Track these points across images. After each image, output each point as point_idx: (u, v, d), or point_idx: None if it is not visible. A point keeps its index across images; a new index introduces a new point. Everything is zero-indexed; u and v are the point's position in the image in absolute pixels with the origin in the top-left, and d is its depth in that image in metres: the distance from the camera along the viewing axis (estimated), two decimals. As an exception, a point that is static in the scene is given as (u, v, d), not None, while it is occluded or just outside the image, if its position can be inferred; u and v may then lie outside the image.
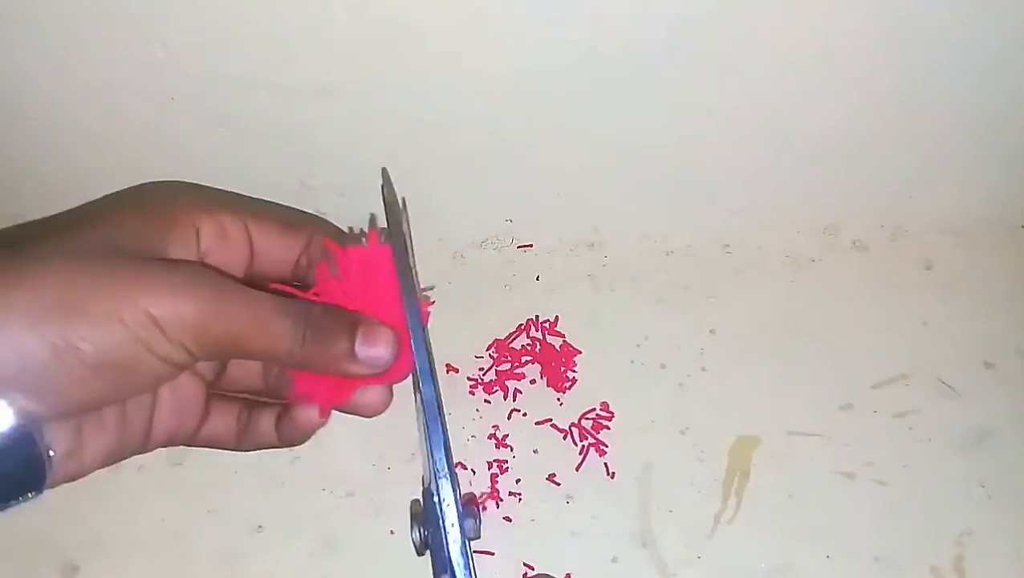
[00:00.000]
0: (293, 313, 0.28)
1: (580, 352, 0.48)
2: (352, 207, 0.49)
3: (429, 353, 0.31)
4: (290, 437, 0.33)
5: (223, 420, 0.33)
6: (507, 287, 0.51)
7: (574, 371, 0.48)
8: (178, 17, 0.37)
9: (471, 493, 0.33)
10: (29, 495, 0.26)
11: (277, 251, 0.32)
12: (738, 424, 0.46)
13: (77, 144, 0.45)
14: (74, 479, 0.28)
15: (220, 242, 0.30)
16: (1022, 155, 0.49)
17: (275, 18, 0.37)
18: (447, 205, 0.50)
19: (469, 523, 0.30)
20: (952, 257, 0.52)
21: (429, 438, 0.30)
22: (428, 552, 0.31)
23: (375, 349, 0.29)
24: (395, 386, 0.33)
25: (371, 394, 0.32)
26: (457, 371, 0.48)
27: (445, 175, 0.48)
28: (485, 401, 0.47)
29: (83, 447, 0.28)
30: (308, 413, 0.32)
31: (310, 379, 0.31)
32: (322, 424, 0.33)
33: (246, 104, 0.42)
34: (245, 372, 0.34)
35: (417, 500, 0.32)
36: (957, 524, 0.43)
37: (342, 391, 0.31)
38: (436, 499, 0.30)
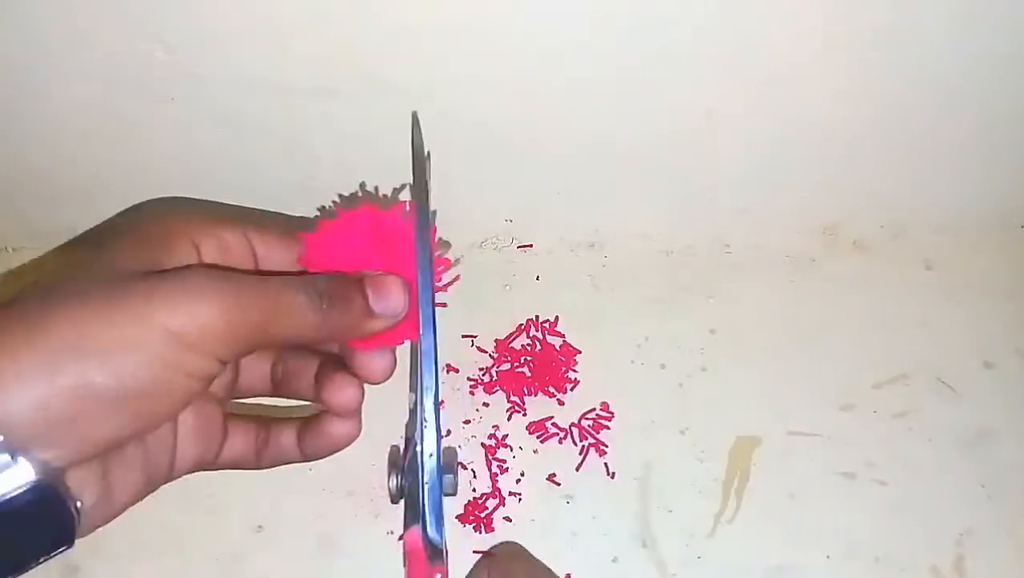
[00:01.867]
0: (304, 287, 0.28)
1: (580, 352, 0.48)
2: (351, 207, 0.49)
3: (432, 305, 0.31)
4: (315, 450, 0.33)
5: (242, 440, 0.33)
6: (507, 287, 0.51)
7: (574, 371, 0.48)
8: (178, 17, 0.37)
9: (454, 449, 0.33)
10: (60, 550, 0.25)
11: (281, 257, 0.31)
12: (738, 424, 0.46)
13: (77, 144, 0.45)
14: (104, 524, 0.27)
15: (222, 256, 0.30)
16: (1022, 155, 0.49)
17: (275, 18, 0.37)
18: (447, 205, 0.50)
19: (447, 478, 0.30)
20: (952, 257, 0.52)
21: (420, 384, 0.30)
22: (401, 501, 0.31)
23: (388, 298, 0.29)
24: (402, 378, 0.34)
25: (379, 359, 0.31)
26: (457, 371, 0.48)
27: (445, 175, 0.48)
28: (485, 402, 0.47)
29: (111, 491, 0.27)
30: (341, 426, 0.32)
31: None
32: (354, 438, 0.32)
33: (246, 104, 0.42)
34: (254, 378, 0.34)
35: (396, 446, 0.32)
36: (957, 524, 0.43)
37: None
38: (419, 449, 0.30)
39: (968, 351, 0.49)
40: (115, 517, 0.28)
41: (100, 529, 0.42)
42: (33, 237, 0.52)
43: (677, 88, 0.42)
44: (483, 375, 0.47)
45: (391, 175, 0.48)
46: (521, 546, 0.41)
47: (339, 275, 0.30)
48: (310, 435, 0.33)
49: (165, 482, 0.30)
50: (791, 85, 0.43)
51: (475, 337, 0.49)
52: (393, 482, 0.32)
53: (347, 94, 0.41)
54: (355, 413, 0.32)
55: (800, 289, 0.51)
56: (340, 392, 0.31)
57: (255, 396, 0.34)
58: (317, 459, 0.33)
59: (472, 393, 0.47)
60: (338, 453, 0.44)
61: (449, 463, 0.31)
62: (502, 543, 0.41)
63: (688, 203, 0.51)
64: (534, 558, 0.41)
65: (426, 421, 0.30)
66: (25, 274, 0.49)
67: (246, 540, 0.43)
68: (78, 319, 0.24)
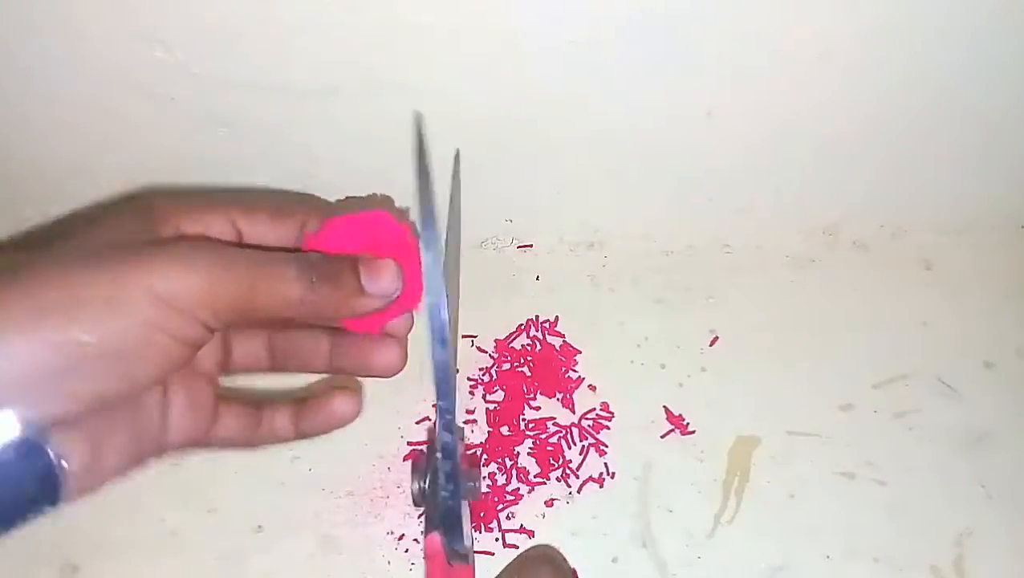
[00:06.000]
0: (296, 260, 0.28)
1: (580, 352, 0.48)
2: (351, 207, 0.49)
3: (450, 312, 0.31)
4: (313, 427, 0.33)
5: (234, 420, 0.33)
6: (507, 287, 0.51)
7: (574, 371, 0.48)
8: (178, 17, 0.37)
9: (476, 453, 0.33)
10: (45, 509, 0.25)
11: (271, 240, 0.32)
12: (738, 424, 0.46)
13: (77, 144, 0.45)
14: (93, 491, 0.27)
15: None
16: (1022, 155, 0.49)
17: (275, 18, 0.37)
18: (447, 205, 0.50)
19: (468, 486, 0.30)
20: (952, 257, 0.52)
21: (438, 389, 0.30)
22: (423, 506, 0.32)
23: (381, 280, 0.30)
24: (399, 376, 0.34)
25: (388, 354, 0.32)
26: (457, 371, 0.48)
27: (445, 175, 0.48)
28: (485, 401, 0.47)
29: (100, 456, 0.28)
30: (345, 404, 0.32)
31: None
32: (355, 415, 0.33)
33: (246, 104, 0.42)
34: (249, 352, 0.34)
35: (422, 451, 0.33)
36: (957, 524, 0.43)
37: (372, 324, 0.32)
38: (437, 454, 0.30)
39: (968, 351, 0.49)
40: (105, 484, 0.28)
41: (101, 529, 0.43)
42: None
43: (677, 88, 0.42)
44: (483, 375, 0.47)
45: (391, 175, 0.48)
46: (555, 549, 0.41)
47: (331, 256, 0.30)
48: (309, 413, 0.33)
49: (157, 455, 0.30)
50: (791, 85, 0.43)
51: (475, 337, 0.49)
52: (416, 486, 0.32)
53: (347, 94, 0.41)
54: (396, 369, 0.32)
55: (800, 289, 0.51)
56: (385, 351, 0.31)
57: (250, 372, 0.34)
58: (312, 437, 0.33)
59: (472, 393, 0.47)
60: (339, 454, 0.45)
61: (471, 469, 0.31)
62: (536, 546, 0.41)
63: (688, 203, 0.51)
64: (565, 562, 0.41)
65: (445, 430, 0.30)
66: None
67: (246, 540, 0.43)
68: (67, 278, 0.25)
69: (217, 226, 0.30)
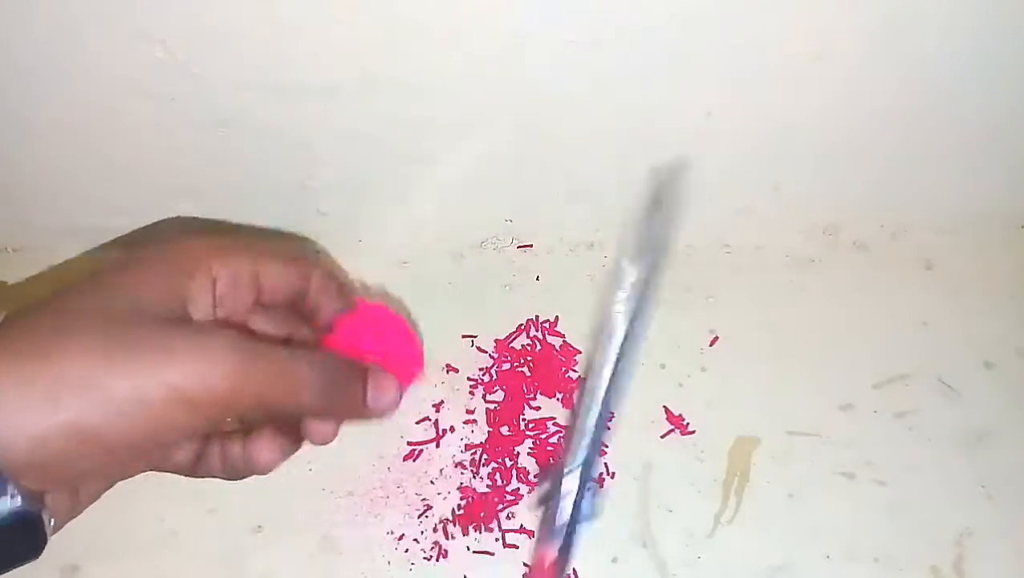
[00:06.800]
0: (312, 367, 0.29)
1: (580, 352, 0.48)
2: (352, 207, 0.49)
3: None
4: (234, 471, 0.32)
5: (187, 449, 0.32)
6: (507, 287, 0.51)
7: (574, 371, 0.48)
8: (178, 17, 0.37)
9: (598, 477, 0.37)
10: (25, 563, 0.26)
11: (282, 286, 0.32)
12: (738, 424, 0.46)
13: (77, 144, 0.45)
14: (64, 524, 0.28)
15: (233, 287, 0.31)
16: (1022, 155, 0.49)
17: (275, 18, 0.37)
18: (447, 205, 0.50)
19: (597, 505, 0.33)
20: (952, 257, 0.52)
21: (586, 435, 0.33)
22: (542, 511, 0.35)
23: (383, 398, 0.31)
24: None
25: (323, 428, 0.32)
26: (457, 371, 0.48)
27: (445, 175, 0.48)
28: (485, 401, 0.47)
29: (79, 503, 0.28)
30: (266, 452, 0.31)
31: None
32: (275, 467, 0.32)
33: (246, 104, 0.42)
34: None
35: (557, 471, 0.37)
36: (957, 524, 0.43)
37: None
38: (567, 470, 0.34)
39: (968, 351, 0.49)
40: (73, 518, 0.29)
41: (100, 529, 0.43)
42: (33, 237, 0.52)
43: (677, 88, 0.42)
44: (483, 375, 0.47)
45: (391, 175, 0.48)
46: None
47: (347, 361, 0.31)
48: (233, 454, 0.32)
49: (120, 480, 0.31)
50: (791, 85, 0.43)
51: (475, 337, 0.49)
52: (545, 487, 0.34)
53: (347, 94, 0.41)
54: (269, 470, 0.32)
55: (800, 289, 0.51)
56: (266, 453, 0.31)
57: None
58: (233, 479, 0.32)
59: (472, 393, 0.47)
60: (339, 454, 0.44)
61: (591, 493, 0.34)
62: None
63: (688, 203, 0.51)
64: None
65: (580, 461, 0.34)
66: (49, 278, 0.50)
67: (246, 540, 0.43)
68: (91, 359, 0.24)
69: (243, 273, 0.31)
